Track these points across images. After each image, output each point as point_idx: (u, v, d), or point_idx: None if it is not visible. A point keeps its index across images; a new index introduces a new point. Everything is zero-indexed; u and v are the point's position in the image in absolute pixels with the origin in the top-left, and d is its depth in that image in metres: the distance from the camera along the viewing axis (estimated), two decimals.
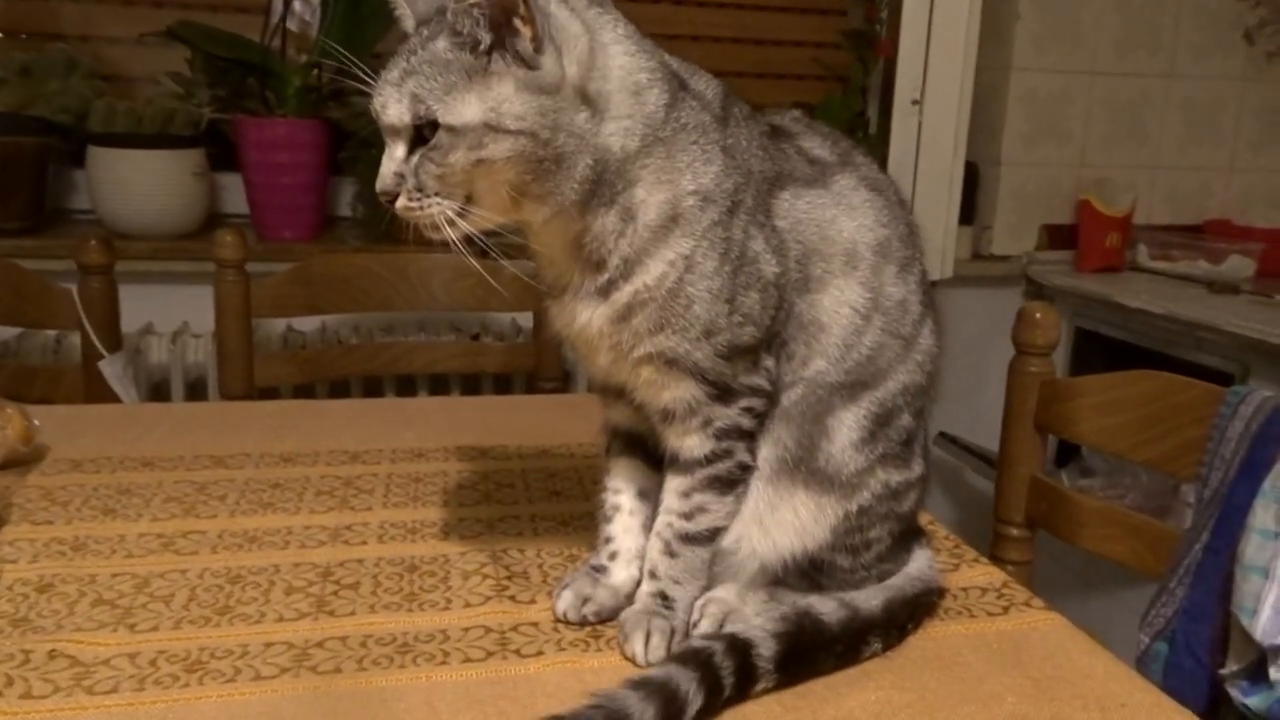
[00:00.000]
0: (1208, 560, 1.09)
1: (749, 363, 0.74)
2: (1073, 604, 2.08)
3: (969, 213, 2.45)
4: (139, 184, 1.97)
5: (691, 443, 0.76)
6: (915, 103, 1.88)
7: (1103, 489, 2.12)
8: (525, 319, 2.07)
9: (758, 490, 0.77)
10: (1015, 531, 1.31)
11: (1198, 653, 1.07)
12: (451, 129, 0.67)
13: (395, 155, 0.70)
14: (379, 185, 0.71)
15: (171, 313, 2.04)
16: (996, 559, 1.29)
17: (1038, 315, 1.30)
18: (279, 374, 1.77)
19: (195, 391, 2.03)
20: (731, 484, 0.76)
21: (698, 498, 0.76)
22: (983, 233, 2.51)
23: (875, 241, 0.77)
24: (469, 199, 0.69)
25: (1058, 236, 2.54)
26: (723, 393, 0.74)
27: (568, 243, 0.72)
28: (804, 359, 0.76)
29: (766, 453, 0.77)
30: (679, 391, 0.75)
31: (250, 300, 1.65)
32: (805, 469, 0.76)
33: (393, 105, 0.68)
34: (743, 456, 0.76)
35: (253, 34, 2.07)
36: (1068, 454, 2.30)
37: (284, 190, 2.07)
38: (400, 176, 0.70)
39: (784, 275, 0.74)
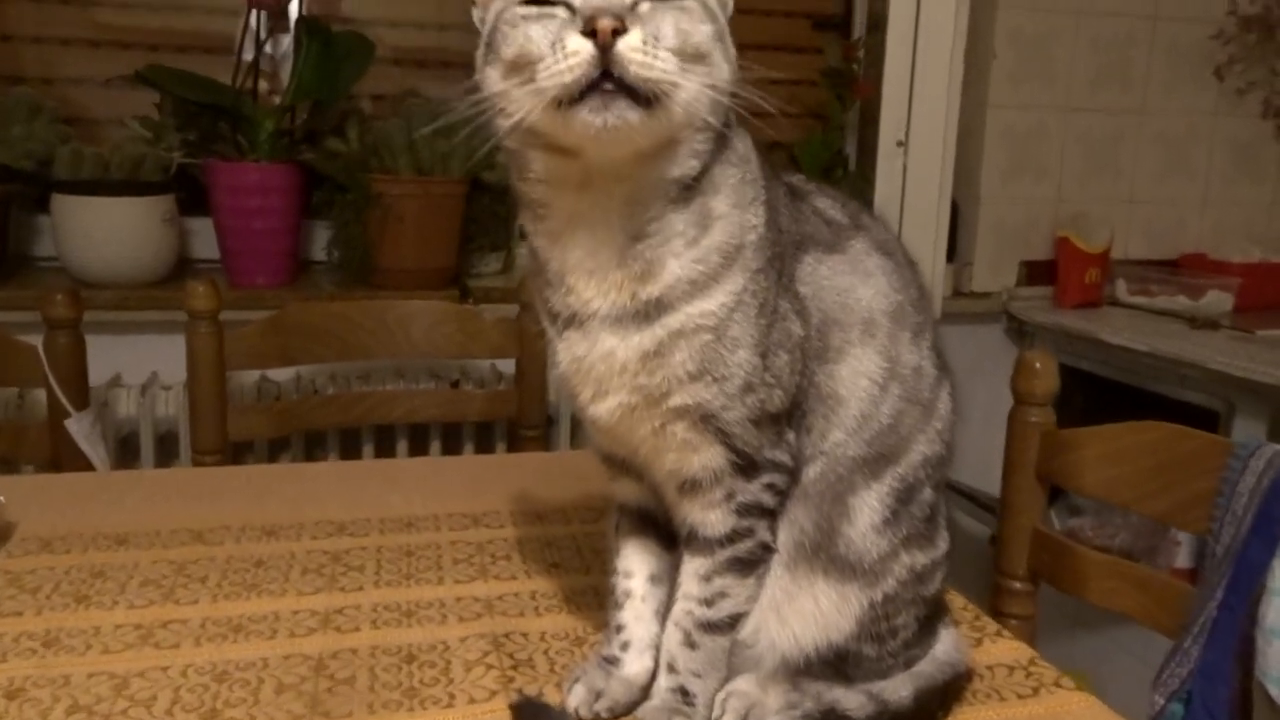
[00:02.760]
0: (1222, 619, 1.06)
1: (774, 434, 0.70)
2: (1062, 641, 2.06)
3: (949, 250, 2.45)
4: (106, 232, 1.91)
5: (712, 519, 0.71)
6: (900, 144, 1.87)
7: (1092, 528, 2.10)
8: (506, 365, 2.03)
9: (775, 577, 0.73)
10: (1018, 585, 1.29)
11: (1215, 715, 1.05)
12: (706, 5, 0.63)
13: None
14: (598, 6, 0.59)
15: (140, 364, 1.98)
16: (999, 613, 1.26)
17: (1037, 365, 1.28)
18: (253, 427, 1.72)
19: (165, 446, 1.96)
20: (753, 565, 0.72)
21: (719, 581, 0.71)
22: (963, 269, 2.50)
23: (890, 308, 0.74)
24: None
25: (1037, 272, 2.54)
26: (747, 465, 0.70)
27: (623, 238, 0.66)
28: (822, 431, 0.72)
29: (783, 537, 0.73)
30: (705, 458, 0.70)
31: (224, 352, 1.60)
32: (825, 555, 0.72)
33: None
34: (764, 536, 0.72)
35: (223, 75, 2.03)
36: (1055, 492, 2.29)
37: (257, 235, 2.02)
38: (628, 14, 0.60)
39: (807, 340, 0.70)
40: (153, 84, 1.94)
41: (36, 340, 1.53)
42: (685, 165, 0.65)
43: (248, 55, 2.02)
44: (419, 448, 2.10)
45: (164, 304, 1.93)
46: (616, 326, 0.67)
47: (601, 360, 0.68)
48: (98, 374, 1.92)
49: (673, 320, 0.66)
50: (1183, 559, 2.12)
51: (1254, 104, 2.60)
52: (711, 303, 0.66)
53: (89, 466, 1.53)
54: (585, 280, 0.67)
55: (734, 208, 0.67)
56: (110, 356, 1.95)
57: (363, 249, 2.05)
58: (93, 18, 2.13)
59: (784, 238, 0.70)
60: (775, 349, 0.68)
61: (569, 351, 0.69)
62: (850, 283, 0.73)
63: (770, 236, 0.68)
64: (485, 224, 2.20)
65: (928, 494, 0.75)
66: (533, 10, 0.61)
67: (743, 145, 0.69)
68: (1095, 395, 2.32)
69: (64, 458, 1.53)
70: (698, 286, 0.66)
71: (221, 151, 2.01)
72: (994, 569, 1.31)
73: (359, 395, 1.89)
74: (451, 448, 2.12)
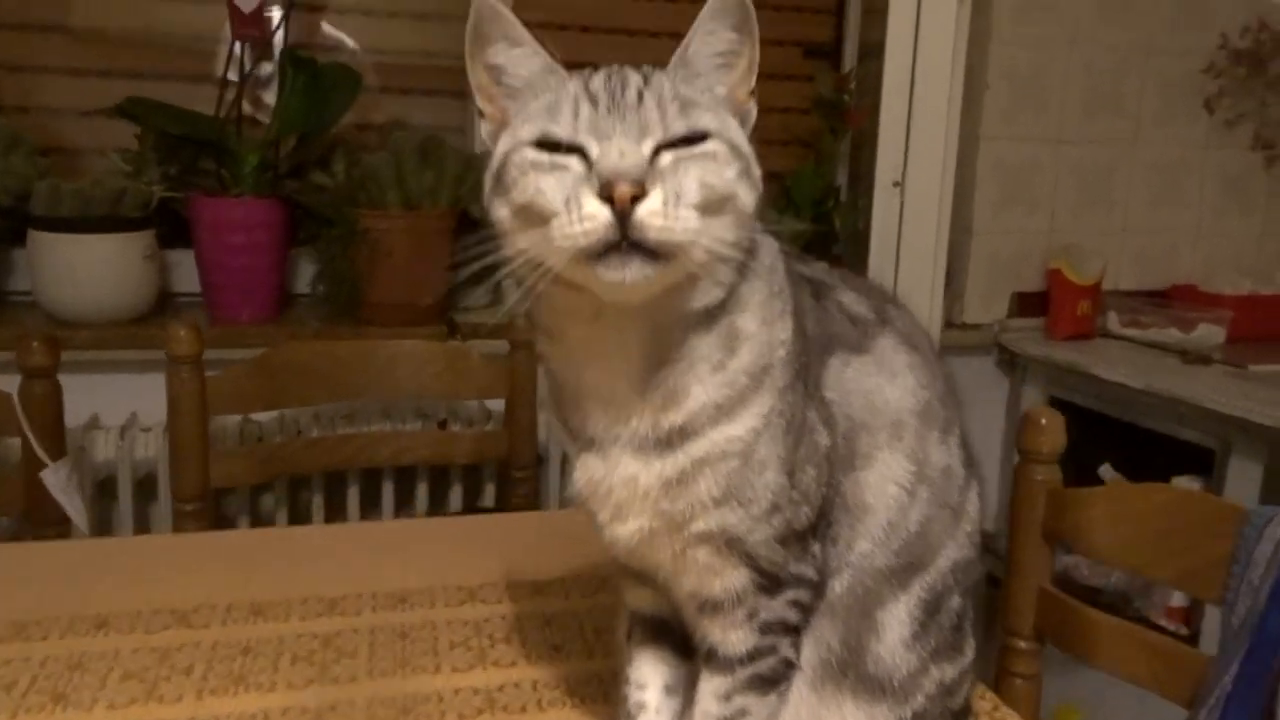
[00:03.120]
0: (1239, 692, 1.04)
1: (799, 549, 0.67)
2: (1065, 670, 2.03)
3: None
4: (85, 270, 1.86)
5: (734, 638, 0.68)
6: (896, 184, 1.85)
7: (1088, 568, 2.08)
8: (495, 404, 1.99)
9: (800, 698, 0.70)
10: (1023, 644, 1.26)
11: None
12: (729, 142, 0.60)
13: (634, 148, 0.58)
14: (617, 170, 0.56)
15: (118, 404, 1.93)
16: (1005, 671, 1.24)
17: (1043, 421, 1.25)
18: (236, 473, 1.67)
19: (144, 489, 1.91)
20: (775, 682, 0.69)
21: (739, 700, 0.68)
22: (955, 301, 2.49)
23: (918, 407, 0.71)
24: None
25: (1028, 304, 2.53)
26: (771, 583, 0.67)
27: (643, 365, 0.63)
28: (849, 542, 0.69)
29: (809, 653, 0.70)
30: (727, 581, 0.66)
31: (207, 397, 1.56)
32: (854, 674, 0.69)
33: (655, 107, 0.59)
34: (787, 653, 0.68)
35: (206, 106, 1.99)
36: None
37: (240, 271, 1.97)
38: (648, 172, 0.57)
39: (833, 450, 0.67)
40: (134, 118, 1.89)
41: (10, 381, 1.48)
42: (708, 295, 0.62)
43: (232, 87, 1.98)
44: (406, 490, 2.06)
45: (144, 342, 1.88)
46: (638, 452, 0.64)
47: (621, 485, 0.64)
48: (75, 415, 1.87)
49: (697, 447, 0.63)
50: (1178, 598, 2.10)
51: (1243, 136, 2.60)
52: (739, 428, 0.63)
53: (65, 518, 1.48)
54: (603, 407, 0.65)
55: (762, 325, 0.64)
56: (88, 397, 1.90)
57: (349, 284, 2.02)
58: (72, 46, 2.08)
59: (810, 344, 0.67)
60: (803, 465, 0.65)
61: (585, 473, 0.66)
62: (877, 383, 0.70)
63: (797, 347, 0.65)
64: (473, 257, 2.16)
65: (956, 601, 0.72)
66: (544, 158, 0.58)
67: (768, 254, 0.65)
68: (1087, 429, 2.30)
69: (39, 509, 1.48)
70: (724, 411, 0.63)
71: (204, 185, 1.97)
72: (998, 624, 1.28)
73: (345, 437, 1.85)
74: (439, 489, 2.08)
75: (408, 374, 1.73)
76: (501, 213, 0.61)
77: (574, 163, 0.58)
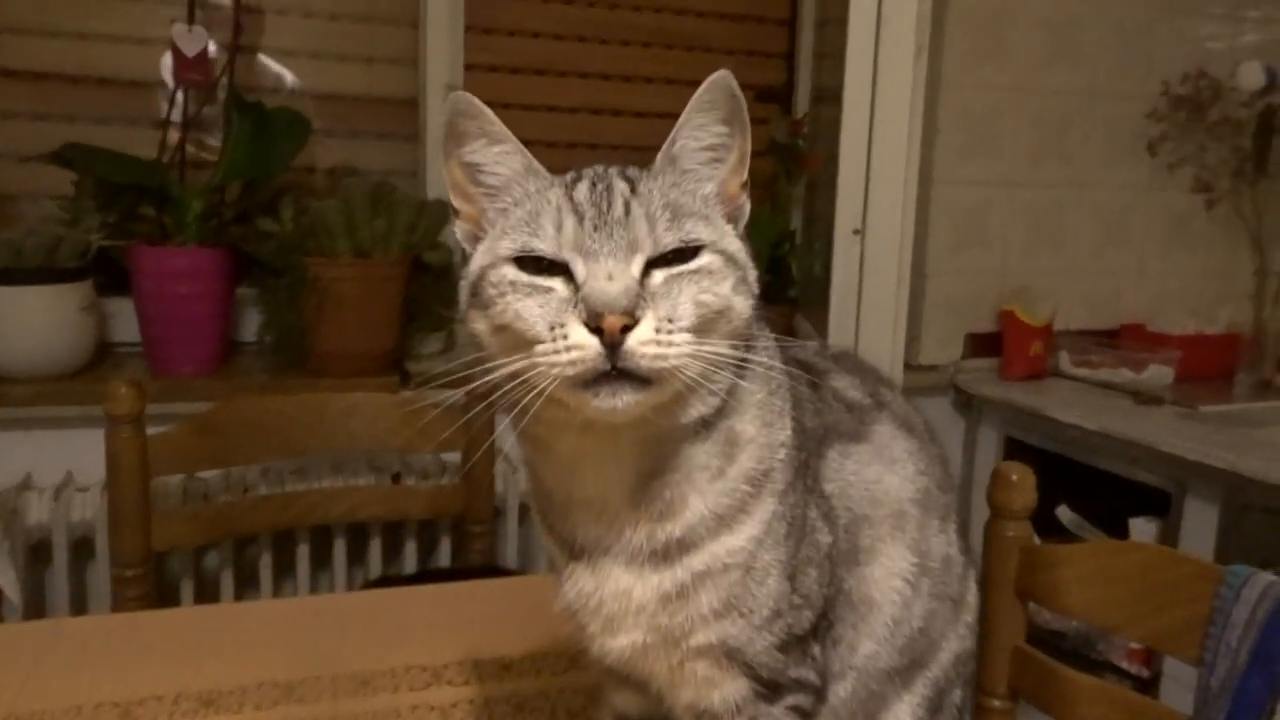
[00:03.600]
0: None
1: (800, 652, 0.64)
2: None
3: None
4: (19, 323, 1.78)
5: None
6: (857, 232, 1.85)
7: (1049, 613, 2.08)
8: (451, 456, 1.94)
9: None
10: (998, 703, 1.24)
11: None
12: (724, 253, 0.56)
13: (624, 269, 0.54)
14: (605, 299, 0.52)
15: (54, 462, 1.84)
16: None
17: (1014, 477, 1.24)
18: (180, 534, 1.59)
19: (80, 553, 1.82)
20: None
21: None
22: (911, 342, 2.49)
23: (918, 495, 0.68)
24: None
25: (982, 345, 2.54)
26: (771, 690, 0.63)
27: (636, 476, 0.59)
28: (852, 643, 0.66)
29: None
30: (728, 691, 0.63)
31: (148, 457, 1.49)
32: None
33: (643, 220, 0.55)
34: None
35: (148, 149, 1.92)
36: None
37: (183, 321, 1.90)
38: (639, 298, 0.53)
39: (834, 547, 0.64)
40: (71, 164, 1.82)
41: None
42: (704, 405, 0.59)
43: (175, 132, 1.92)
44: (358, 547, 1.99)
45: (81, 398, 1.80)
46: (631, 565, 0.60)
47: (614, 599, 0.61)
48: (7, 475, 1.79)
49: (697, 560, 0.59)
50: None
51: (1184, 179, 2.65)
52: (740, 538, 0.60)
53: None
54: (594, 517, 0.61)
55: (762, 428, 0.61)
56: (21, 455, 1.81)
57: (297, 333, 1.96)
58: (6, 88, 2.00)
59: (808, 438, 0.64)
60: (804, 567, 0.62)
61: (574, 585, 0.63)
62: (877, 473, 0.67)
63: (797, 445, 0.62)
64: (426, 305, 2.12)
65: (957, 695, 0.69)
66: (525, 279, 0.55)
67: (764, 350, 0.62)
68: (1043, 470, 2.31)
69: None
70: (724, 522, 0.60)
71: (145, 233, 1.90)
72: (974, 684, 1.26)
73: (294, 495, 1.78)
74: (393, 546, 2.02)
75: (360, 427, 1.67)
76: (479, 326, 0.58)
77: (558, 285, 0.55)
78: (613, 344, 0.52)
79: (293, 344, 1.96)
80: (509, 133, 0.61)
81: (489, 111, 0.60)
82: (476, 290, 0.58)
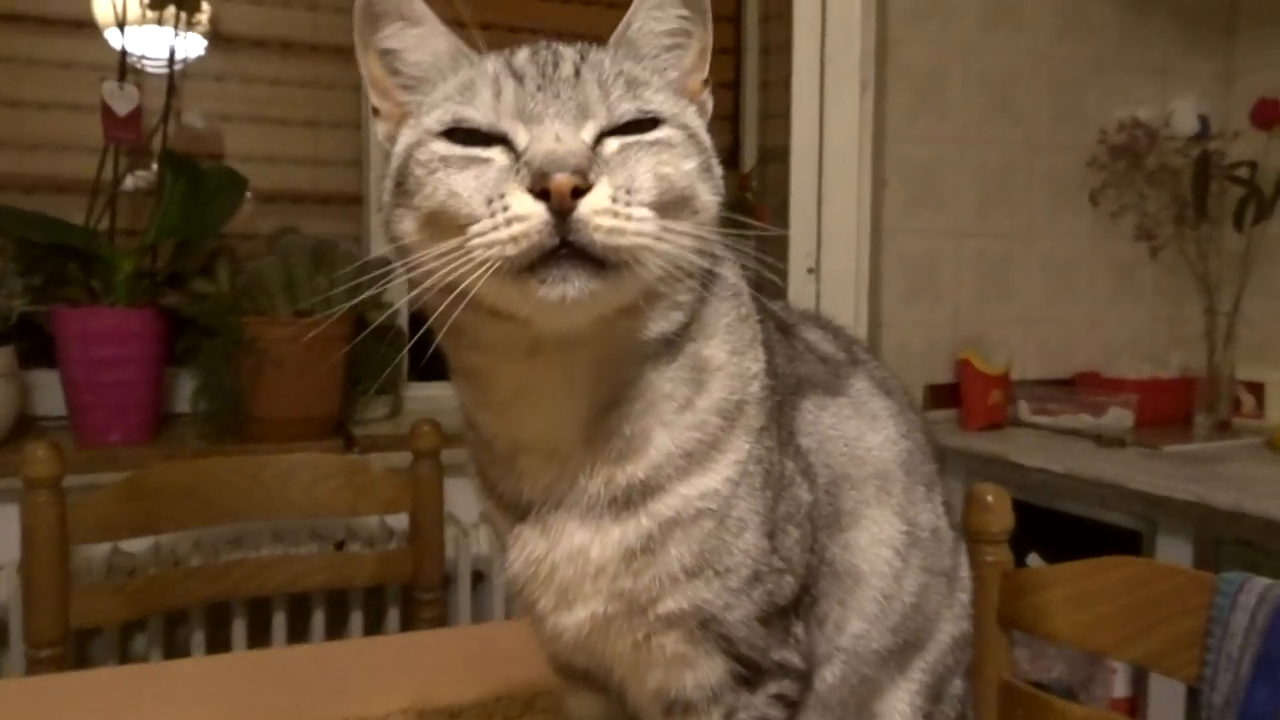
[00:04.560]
0: None
1: (782, 630, 0.56)
2: None
3: None
4: None
5: None
6: (811, 271, 1.82)
7: (1029, 662, 2.01)
8: (398, 520, 1.84)
9: None
10: None
11: None
12: (686, 128, 0.50)
13: (572, 132, 0.47)
14: (553, 159, 0.45)
15: None
16: None
17: (989, 499, 1.19)
18: (102, 610, 1.47)
19: None
20: None
21: None
22: None
23: (901, 457, 0.62)
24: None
25: (941, 395, 2.51)
26: (752, 673, 0.55)
27: (591, 409, 0.51)
28: (839, 622, 0.58)
29: None
30: (701, 674, 0.55)
31: (68, 524, 1.38)
32: None
33: (595, 84, 0.48)
34: None
35: (75, 216, 1.85)
36: None
37: (110, 388, 1.80)
38: (592, 160, 0.46)
39: (815, 507, 0.57)
40: None
41: None
42: (668, 319, 0.52)
43: (104, 194, 1.85)
44: (300, 619, 1.87)
45: None
46: (588, 518, 0.52)
47: (568, 561, 0.53)
48: None
49: (664, 506, 0.52)
50: (1120, 688, 2.03)
51: (1127, 227, 2.69)
52: (713, 478, 0.52)
53: None
54: (543, 463, 0.53)
55: (732, 354, 0.54)
56: None
57: (234, 398, 1.86)
58: None
59: (780, 383, 0.58)
60: (784, 524, 0.55)
61: (522, 550, 0.54)
62: (858, 429, 0.61)
63: (770, 382, 0.56)
64: (371, 366, 2.04)
65: (958, 685, 0.62)
66: (458, 151, 0.48)
67: (732, 274, 0.56)
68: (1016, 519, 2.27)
69: None
70: (694, 460, 0.52)
71: (71, 296, 1.81)
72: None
73: (230, 564, 1.66)
74: (337, 617, 1.89)
75: (300, 490, 1.58)
76: (405, 225, 0.50)
77: (497, 154, 0.48)
78: (561, 210, 0.44)
79: (229, 410, 1.87)
80: (431, 13, 0.54)
81: None
82: (401, 179, 0.50)
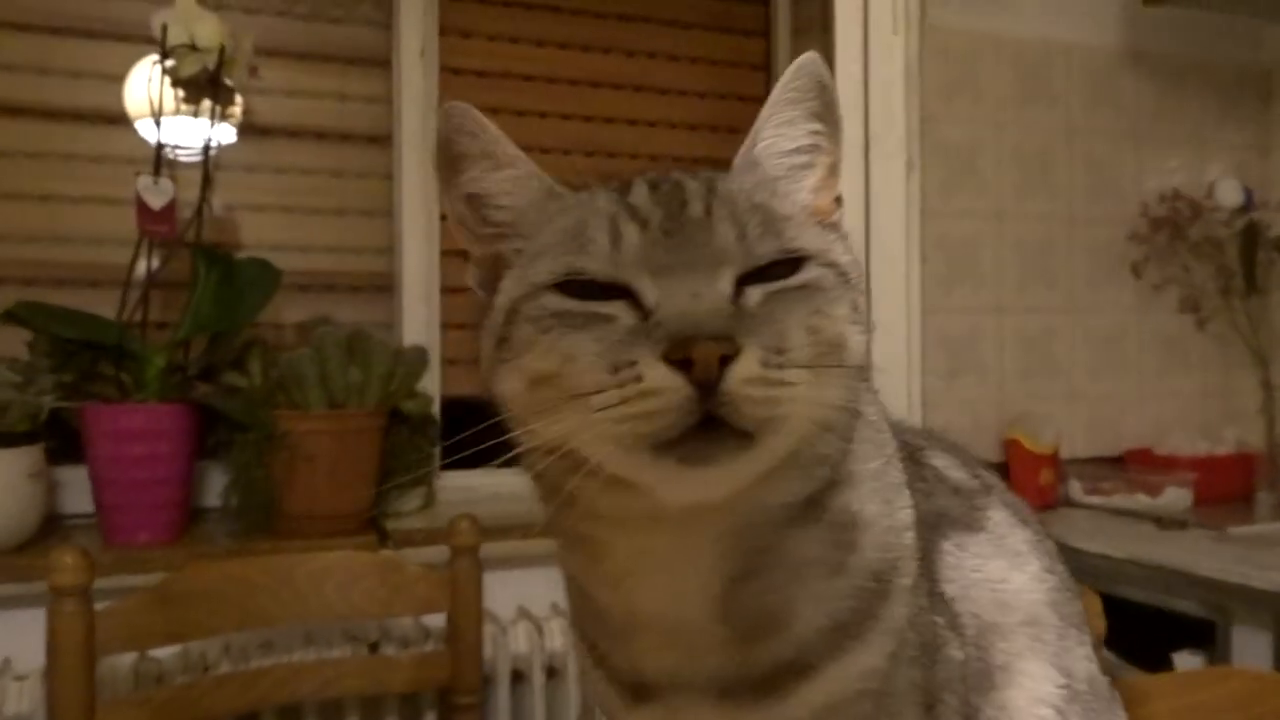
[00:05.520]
0: None
1: None
2: None
3: None
4: None
5: None
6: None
7: None
8: (435, 620, 1.77)
9: None
10: None
11: None
12: (834, 266, 0.44)
13: (710, 285, 0.41)
14: (692, 320, 0.39)
15: None
16: None
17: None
18: None
19: None
20: None
21: None
22: None
23: (1050, 597, 0.55)
24: None
25: None
26: None
27: (724, 581, 0.45)
28: None
29: None
30: None
31: (95, 634, 1.32)
32: None
33: (729, 221, 0.42)
34: None
35: (106, 310, 1.82)
36: None
37: (139, 486, 1.76)
38: (735, 318, 0.40)
39: (965, 665, 0.50)
40: (24, 323, 1.71)
41: None
42: (810, 478, 0.46)
43: (137, 288, 1.83)
44: None
45: (25, 574, 1.63)
46: (724, 704, 0.45)
47: None
48: None
49: (816, 690, 0.45)
50: None
51: (1171, 299, 2.63)
52: (872, 653, 0.45)
53: None
54: (667, 641, 0.46)
55: (883, 505, 0.48)
56: None
57: (266, 494, 1.82)
58: None
59: (921, 526, 0.51)
60: (940, 693, 0.48)
61: None
62: (1001, 570, 0.54)
63: (918, 530, 0.49)
64: (404, 458, 1.99)
65: None
66: (573, 306, 0.42)
67: (872, 409, 0.50)
68: None
69: None
70: (847, 633, 0.45)
71: (102, 393, 1.77)
72: None
73: (261, 671, 1.59)
74: None
75: (334, 592, 1.53)
76: (511, 384, 0.44)
77: (621, 311, 0.42)
78: (706, 383, 0.38)
79: (260, 505, 1.82)
80: (520, 153, 0.49)
81: (493, 127, 0.48)
82: (505, 335, 0.44)
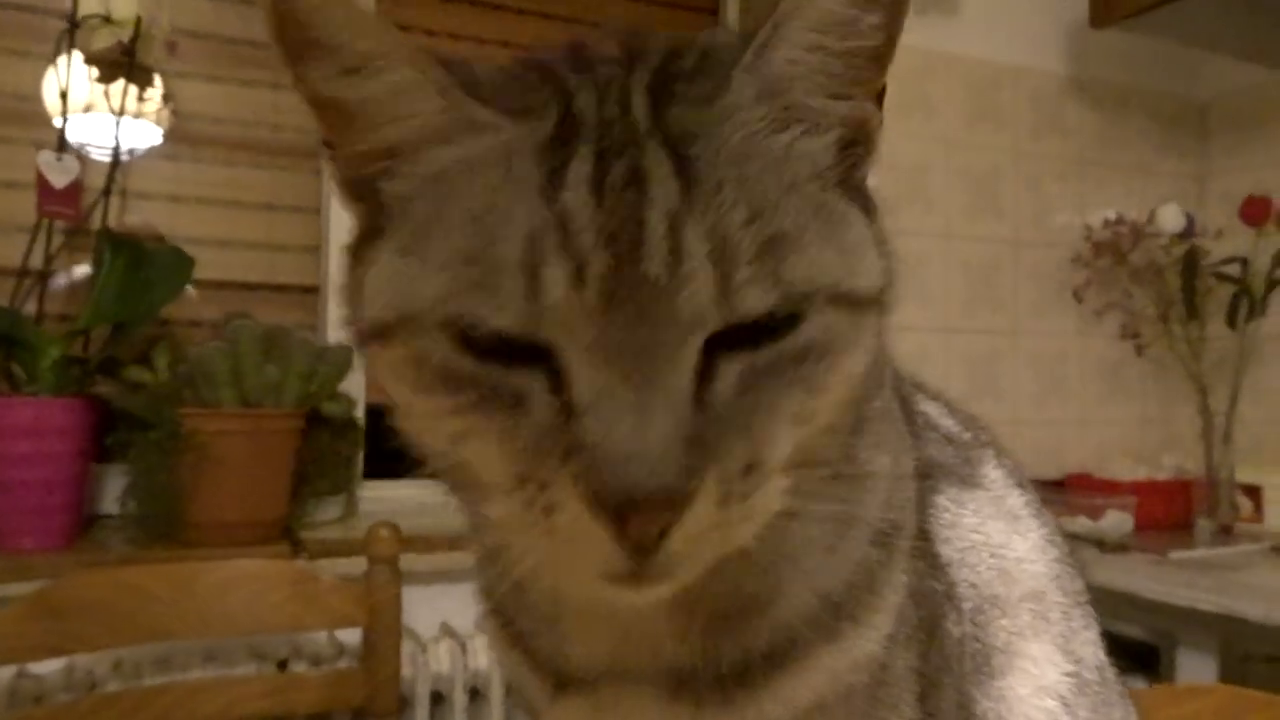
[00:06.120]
0: None
1: None
2: None
3: None
4: None
5: None
6: None
7: None
8: (350, 635, 1.65)
9: None
10: None
11: None
12: (852, 297, 0.33)
13: (665, 393, 0.29)
14: (631, 472, 0.28)
15: None
16: None
17: None
18: None
19: None
20: None
21: None
22: None
23: (1054, 570, 0.47)
24: None
25: None
26: None
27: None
28: None
29: None
30: None
31: None
32: None
33: (706, 261, 0.29)
34: None
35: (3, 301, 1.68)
36: None
37: (26, 487, 1.61)
38: (693, 442, 0.29)
39: (962, 644, 0.41)
40: None
41: None
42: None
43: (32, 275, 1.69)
44: None
45: None
46: (677, 701, 0.35)
47: None
48: None
49: (801, 686, 0.35)
50: None
51: (1112, 325, 2.62)
52: (868, 638, 0.36)
53: None
54: (603, 623, 0.36)
55: (889, 454, 0.38)
56: None
57: (170, 499, 1.68)
58: None
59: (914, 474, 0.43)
60: (937, 676, 0.39)
61: None
62: (1002, 534, 0.45)
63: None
64: (323, 464, 1.87)
65: None
66: (471, 368, 0.31)
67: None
68: None
69: None
70: (842, 611, 0.36)
71: None
72: None
73: (155, 690, 1.46)
74: None
75: (239, 604, 1.41)
76: (389, 383, 0.35)
77: (535, 386, 0.31)
78: (641, 548, 0.29)
79: (163, 511, 1.68)
80: (404, 43, 0.33)
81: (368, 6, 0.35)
82: (378, 340, 0.34)
